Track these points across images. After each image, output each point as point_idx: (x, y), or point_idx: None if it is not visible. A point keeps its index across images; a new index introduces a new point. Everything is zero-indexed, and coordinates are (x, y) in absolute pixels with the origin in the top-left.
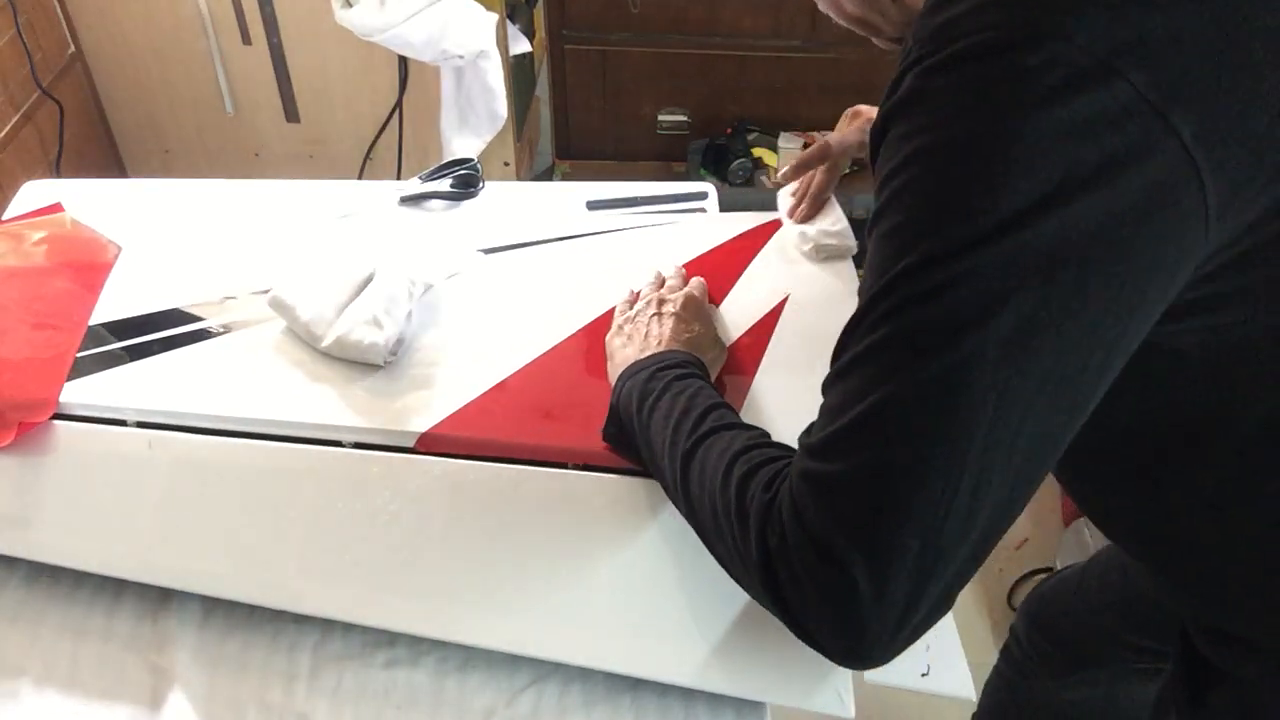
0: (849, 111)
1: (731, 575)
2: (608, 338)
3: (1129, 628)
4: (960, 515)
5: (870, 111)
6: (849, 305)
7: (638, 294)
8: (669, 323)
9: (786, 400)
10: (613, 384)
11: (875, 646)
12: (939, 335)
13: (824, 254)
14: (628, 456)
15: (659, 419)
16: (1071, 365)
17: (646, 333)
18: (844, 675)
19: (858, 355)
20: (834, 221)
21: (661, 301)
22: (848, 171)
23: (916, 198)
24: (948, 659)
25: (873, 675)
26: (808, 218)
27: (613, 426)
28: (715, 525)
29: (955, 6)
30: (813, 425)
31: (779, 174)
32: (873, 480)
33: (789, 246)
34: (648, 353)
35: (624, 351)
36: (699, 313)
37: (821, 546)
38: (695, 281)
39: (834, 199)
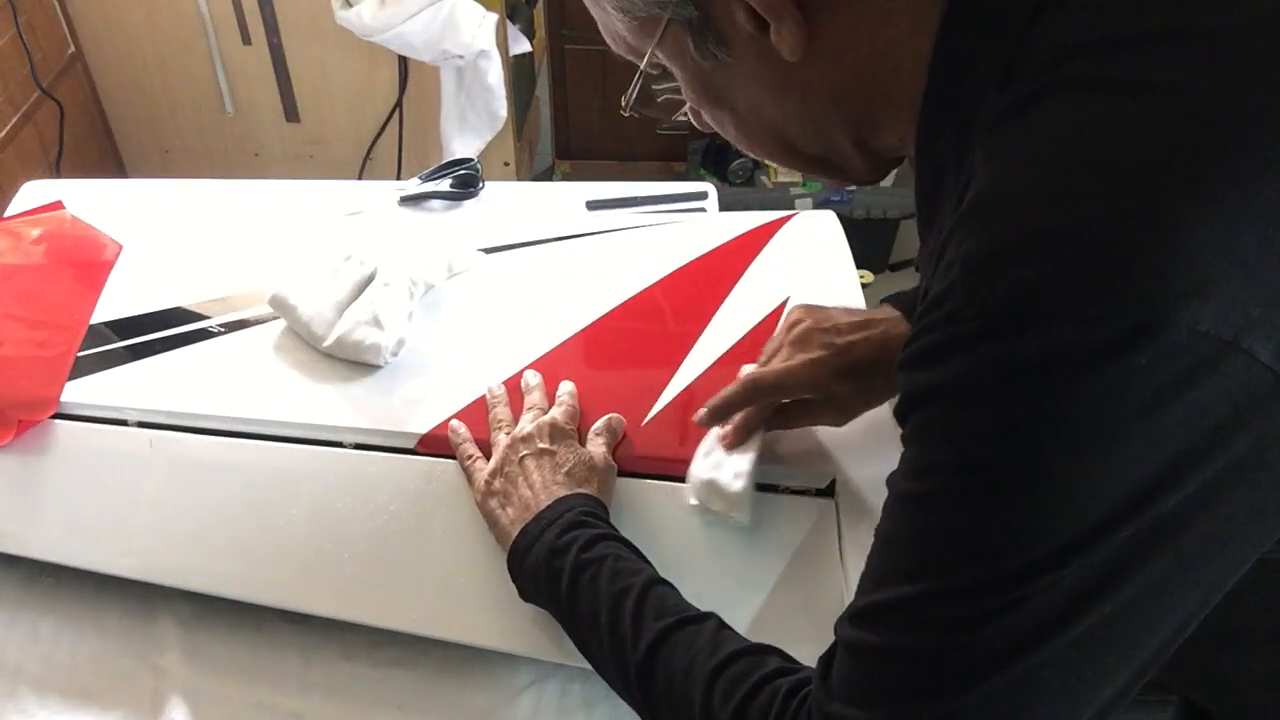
0: (792, 324)
1: None
2: (479, 500)
3: None
4: None
5: (821, 322)
6: (848, 305)
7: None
8: (543, 463)
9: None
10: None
11: None
12: (1013, 646)
13: (706, 505)
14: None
15: (587, 616)
16: (1165, 621)
17: (519, 486)
18: None
19: (902, 647)
20: (736, 476)
21: (521, 441)
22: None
23: (981, 506)
24: None
25: None
26: (731, 446)
27: (527, 591)
28: None
29: (1032, 265)
30: (834, 670)
31: (697, 416)
32: None
33: (787, 253)
34: (530, 514)
35: (504, 515)
36: (564, 434)
37: None
38: (561, 393)
39: (758, 439)
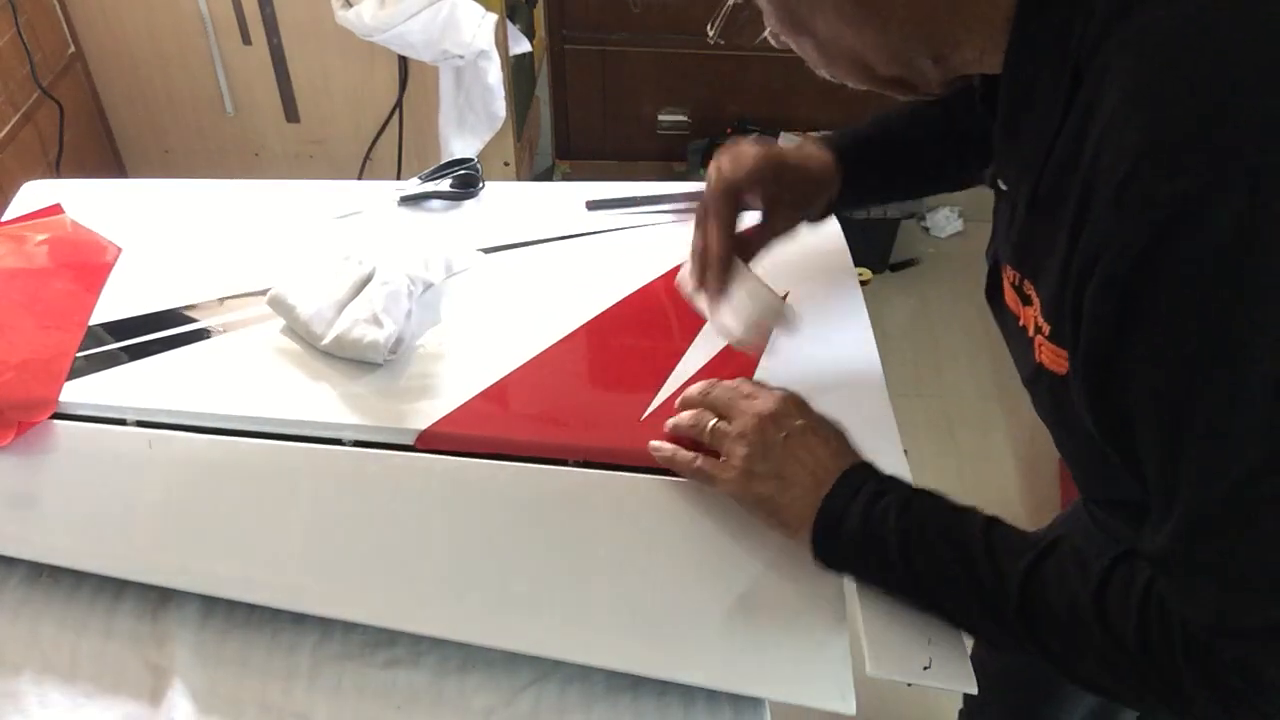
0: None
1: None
2: (739, 488)
3: None
4: None
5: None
6: (848, 305)
7: (694, 420)
8: (810, 439)
9: None
10: (794, 535)
11: None
12: None
13: (753, 329)
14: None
15: (932, 575)
16: None
17: (794, 465)
18: (845, 671)
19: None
20: (752, 295)
21: (771, 420)
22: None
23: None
24: (950, 652)
25: (874, 670)
26: (718, 285)
27: (840, 566)
28: (1108, 667)
29: (1232, 128)
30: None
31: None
32: None
33: (786, 252)
34: (823, 490)
35: (785, 497)
36: (807, 407)
37: None
38: (774, 393)
39: (739, 268)
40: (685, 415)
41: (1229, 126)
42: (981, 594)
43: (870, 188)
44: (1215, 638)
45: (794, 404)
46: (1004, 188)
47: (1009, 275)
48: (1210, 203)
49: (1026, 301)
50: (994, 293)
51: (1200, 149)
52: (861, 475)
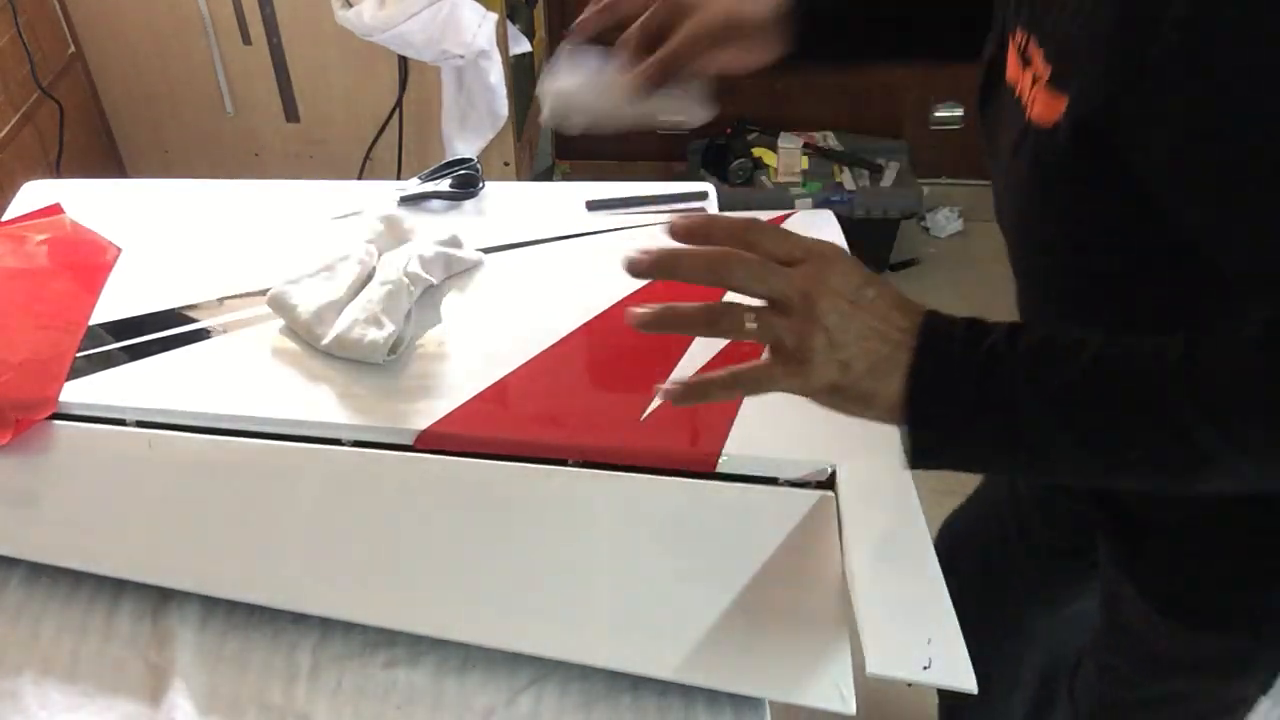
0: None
1: None
2: (816, 382)
3: (1047, 526)
4: None
5: None
6: None
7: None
8: (877, 307)
9: (784, 396)
10: (889, 419)
11: None
12: None
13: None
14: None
15: (1077, 380)
16: None
17: (873, 342)
18: (845, 671)
19: None
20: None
21: (831, 295)
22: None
23: None
24: (949, 651)
25: (875, 669)
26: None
27: (946, 431)
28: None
29: None
30: None
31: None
32: None
33: None
34: (905, 345)
35: (862, 366)
36: (855, 260)
37: None
38: (817, 256)
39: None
40: (695, 257)
41: None
42: (1141, 378)
43: (839, 34)
44: None
45: (852, 266)
46: None
47: (1017, 40)
48: None
49: (1027, 64)
50: (988, 94)
51: None
52: (944, 317)
